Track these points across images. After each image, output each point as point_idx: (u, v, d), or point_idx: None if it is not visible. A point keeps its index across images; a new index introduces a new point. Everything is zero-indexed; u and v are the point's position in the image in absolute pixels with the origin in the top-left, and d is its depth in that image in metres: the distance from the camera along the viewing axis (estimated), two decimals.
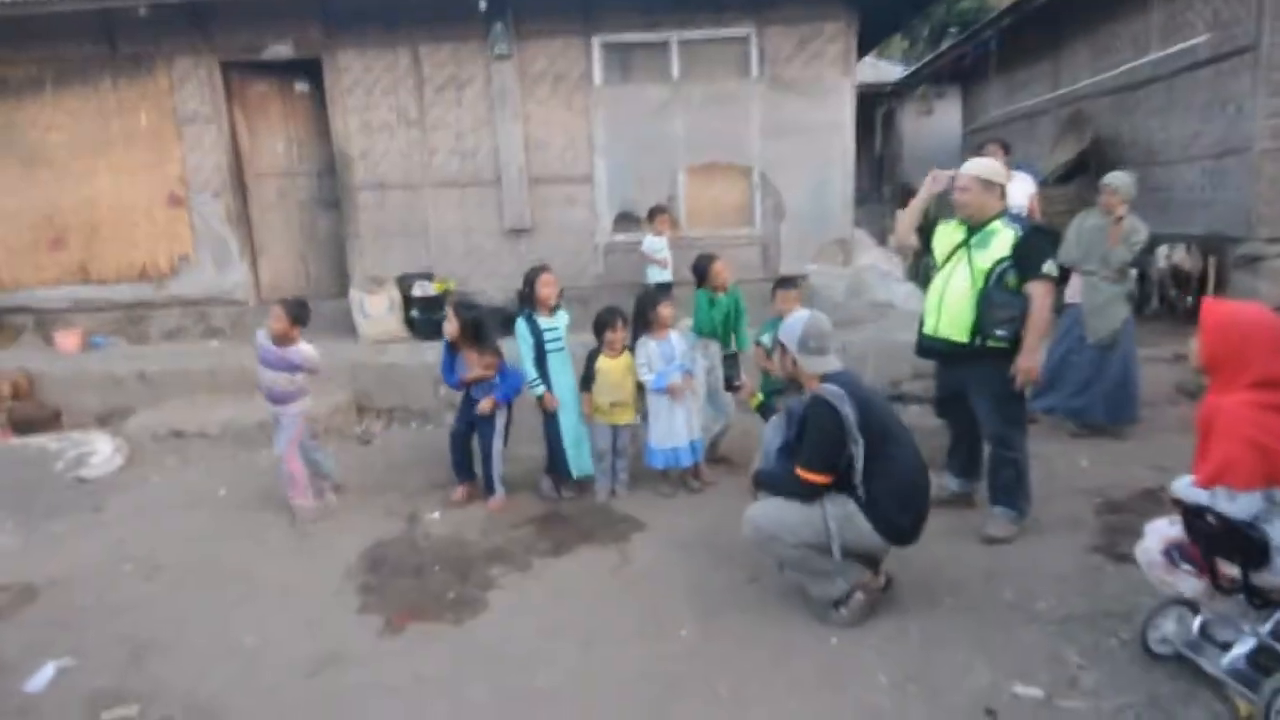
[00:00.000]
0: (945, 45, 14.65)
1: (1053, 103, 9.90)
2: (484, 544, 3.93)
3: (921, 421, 5.34)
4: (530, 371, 4.35)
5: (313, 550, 3.98)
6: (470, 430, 4.48)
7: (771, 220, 7.28)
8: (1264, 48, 6.36)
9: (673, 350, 4.40)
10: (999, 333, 3.55)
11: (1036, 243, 3.60)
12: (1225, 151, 6.90)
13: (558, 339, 4.43)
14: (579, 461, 4.48)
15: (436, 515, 4.32)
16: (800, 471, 2.98)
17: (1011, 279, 3.56)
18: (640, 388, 4.43)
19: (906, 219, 4.01)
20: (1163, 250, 7.01)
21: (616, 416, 4.42)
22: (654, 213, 6.68)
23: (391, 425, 6.01)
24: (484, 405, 4.35)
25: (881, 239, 8.95)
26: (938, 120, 15.43)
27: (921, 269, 8.04)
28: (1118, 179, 5.02)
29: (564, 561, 3.74)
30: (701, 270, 4.72)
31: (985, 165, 3.73)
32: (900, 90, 15.61)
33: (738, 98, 7.10)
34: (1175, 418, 5.38)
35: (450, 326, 4.33)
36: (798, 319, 3.16)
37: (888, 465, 2.97)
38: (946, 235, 3.84)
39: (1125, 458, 4.74)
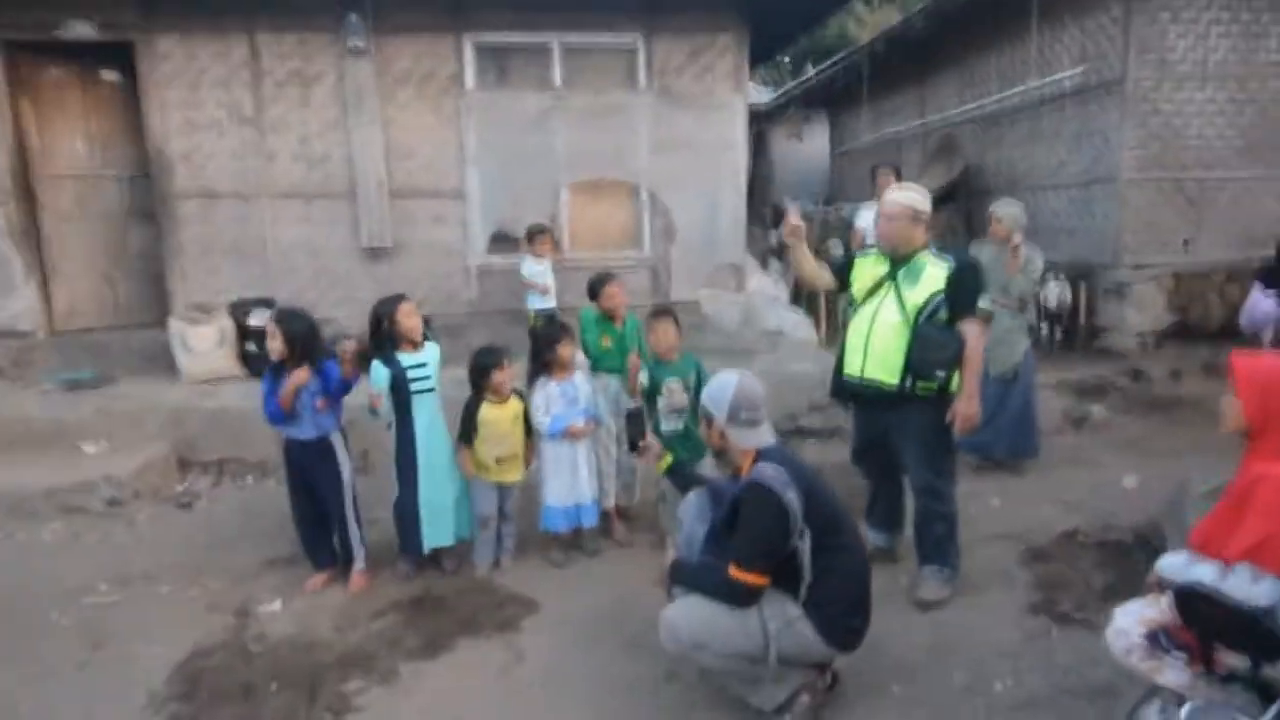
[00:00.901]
0: (806, 73, 14.96)
1: (920, 130, 10.14)
2: (337, 645, 3.13)
3: (822, 457, 5.04)
4: (385, 408, 3.59)
5: (106, 668, 3.03)
6: (312, 497, 3.61)
7: (661, 242, 6.84)
8: (1130, 82, 6.62)
9: (576, 392, 3.81)
10: (938, 374, 3.20)
11: (970, 277, 3.31)
12: (1092, 180, 7.14)
13: (426, 377, 3.64)
14: (438, 532, 3.69)
15: (276, 606, 3.45)
16: (734, 572, 2.43)
17: (944, 315, 3.25)
18: (531, 437, 3.79)
19: (807, 267, 3.60)
20: (1053, 287, 7.09)
21: (504, 474, 3.73)
22: (533, 233, 6.01)
23: (222, 481, 5.00)
24: (293, 378, 3.39)
25: (763, 262, 8.76)
26: (807, 144, 15.74)
27: (805, 295, 7.87)
28: (1003, 208, 4.89)
29: (439, 665, 3.01)
30: (594, 291, 4.15)
31: (913, 195, 3.38)
32: (771, 113, 15.80)
33: (625, 110, 6.63)
34: (1067, 448, 5.36)
35: (274, 344, 3.45)
36: (725, 384, 2.63)
37: (835, 560, 2.50)
38: (867, 269, 3.47)
39: (1032, 495, 4.59)
